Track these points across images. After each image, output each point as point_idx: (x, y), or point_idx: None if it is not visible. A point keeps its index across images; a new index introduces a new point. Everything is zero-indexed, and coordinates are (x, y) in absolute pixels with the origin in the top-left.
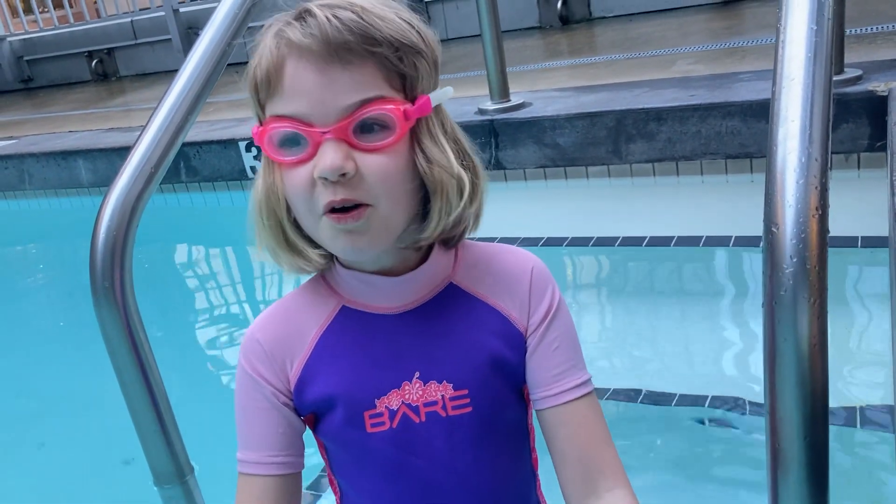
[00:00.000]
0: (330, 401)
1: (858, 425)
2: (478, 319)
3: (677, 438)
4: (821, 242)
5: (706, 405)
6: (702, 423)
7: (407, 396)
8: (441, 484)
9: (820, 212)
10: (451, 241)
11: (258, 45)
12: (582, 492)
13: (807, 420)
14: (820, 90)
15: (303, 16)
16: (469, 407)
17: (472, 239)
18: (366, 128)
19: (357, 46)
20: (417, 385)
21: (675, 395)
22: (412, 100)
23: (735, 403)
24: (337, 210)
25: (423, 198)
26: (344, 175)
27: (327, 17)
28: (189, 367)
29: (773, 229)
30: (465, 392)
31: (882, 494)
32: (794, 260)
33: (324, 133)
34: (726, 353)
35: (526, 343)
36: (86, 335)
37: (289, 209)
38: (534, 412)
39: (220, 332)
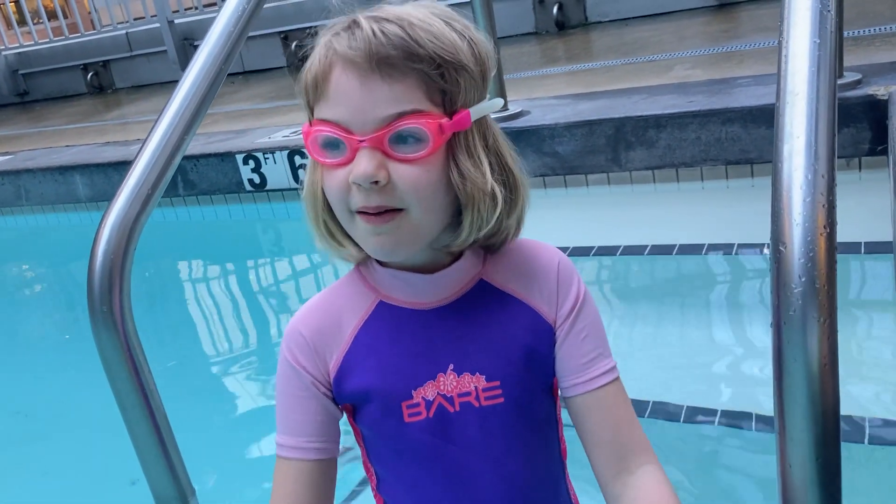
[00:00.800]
0: (368, 392)
1: (866, 441)
2: (508, 314)
3: (683, 451)
4: (829, 261)
5: (716, 418)
6: (708, 434)
7: (442, 387)
8: (475, 470)
9: (828, 230)
10: (492, 247)
11: (312, 51)
12: (614, 470)
13: (819, 441)
14: (825, 105)
15: (352, 27)
16: (501, 398)
17: None
18: (401, 139)
19: (398, 62)
20: (452, 377)
21: (683, 406)
22: (451, 114)
23: (742, 416)
24: (369, 213)
25: (459, 207)
26: (376, 182)
27: (373, 31)
28: (189, 386)
29: (781, 248)
30: (497, 384)
31: None
32: (803, 279)
33: (361, 141)
34: (734, 364)
35: (555, 335)
36: (86, 352)
37: (328, 204)
38: (561, 403)
39: (221, 349)
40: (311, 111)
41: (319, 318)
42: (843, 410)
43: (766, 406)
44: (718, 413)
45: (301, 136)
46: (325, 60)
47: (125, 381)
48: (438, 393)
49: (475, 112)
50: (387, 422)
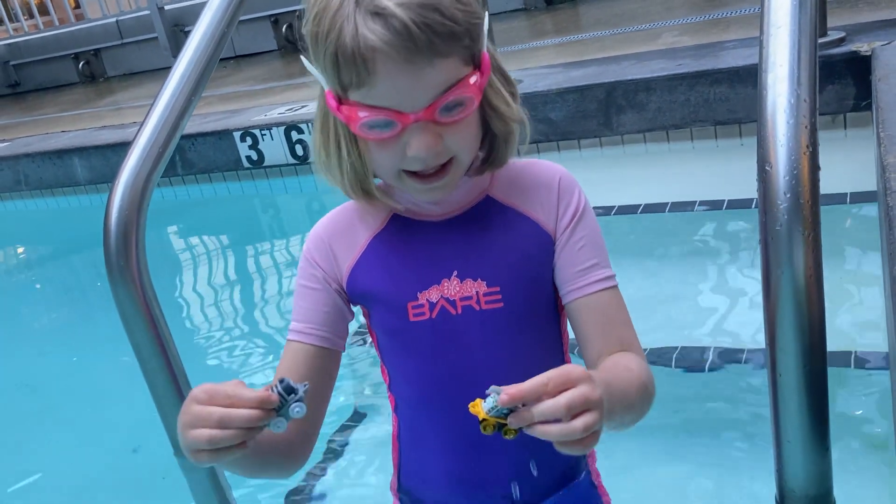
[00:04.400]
0: (378, 292)
1: (853, 366)
2: (511, 226)
3: (681, 391)
4: (813, 178)
5: (708, 357)
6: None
7: (445, 291)
8: (475, 370)
9: (811, 149)
10: (499, 163)
11: (328, 16)
12: (604, 356)
13: (806, 349)
14: (806, 36)
15: (383, 14)
16: (500, 303)
17: None
18: (448, 108)
19: (443, 47)
20: (455, 282)
21: (677, 347)
22: (477, 63)
23: (735, 352)
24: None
25: (486, 130)
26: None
27: (413, 22)
28: (199, 358)
29: (767, 168)
30: (497, 289)
31: (876, 434)
32: (788, 196)
33: (414, 118)
34: (728, 310)
35: (555, 245)
36: (87, 331)
37: (354, 155)
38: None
39: (227, 323)
40: (342, 88)
41: (338, 225)
42: (833, 347)
43: (758, 342)
44: (712, 351)
45: (298, 112)
46: (361, 47)
47: (143, 333)
48: (442, 296)
49: (486, 42)
50: (393, 320)
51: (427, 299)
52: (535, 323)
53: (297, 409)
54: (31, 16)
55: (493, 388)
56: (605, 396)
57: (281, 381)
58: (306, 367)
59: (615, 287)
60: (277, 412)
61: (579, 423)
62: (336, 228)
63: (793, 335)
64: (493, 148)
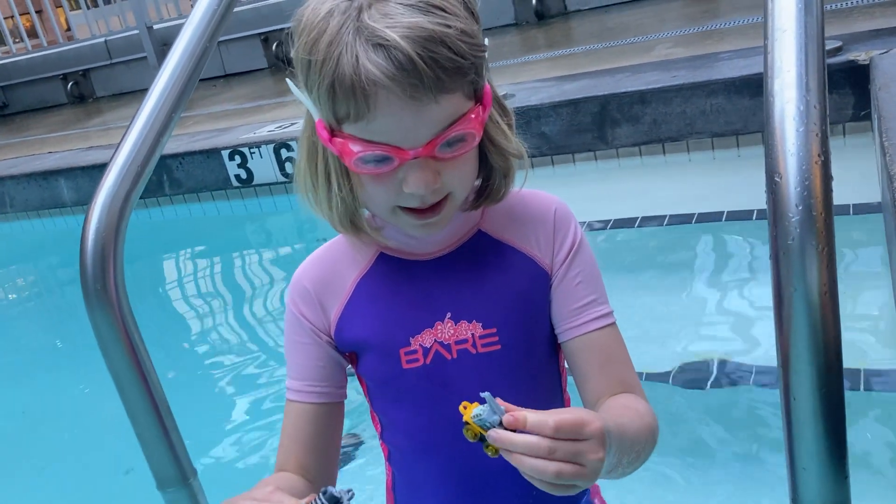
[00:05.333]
0: (368, 339)
1: (862, 388)
2: (505, 263)
3: (684, 413)
4: (825, 189)
5: (711, 377)
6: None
7: (439, 335)
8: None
9: (822, 158)
10: (494, 198)
11: (323, 43)
12: (605, 396)
13: (821, 371)
14: (813, 40)
15: (385, 46)
16: (498, 345)
17: None
18: (448, 143)
19: (450, 83)
20: (449, 324)
21: (678, 366)
22: (479, 97)
23: (742, 370)
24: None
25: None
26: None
27: (420, 56)
28: (184, 377)
29: (777, 179)
30: (494, 331)
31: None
32: (800, 208)
33: (413, 154)
34: (731, 326)
35: (551, 281)
36: (76, 352)
37: (344, 189)
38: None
39: (215, 343)
40: (336, 119)
41: (322, 269)
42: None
43: (765, 360)
44: (715, 367)
45: (287, 129)
46: (362, 80)
47: (122, 360)
48: (436, 340)
49: (487, 73)
50: (385, 368)
51: (420, 344)
52: (533, 363)
53: None
54: (21, 38)
55: (486, 394)
56: (616, 446)
57: (324, 493)
58: (312, 427)
59: (613, 324)
60: None
61: (554, 467)
62: (319, 275)
63: (808, 357)
64: (489, 182)
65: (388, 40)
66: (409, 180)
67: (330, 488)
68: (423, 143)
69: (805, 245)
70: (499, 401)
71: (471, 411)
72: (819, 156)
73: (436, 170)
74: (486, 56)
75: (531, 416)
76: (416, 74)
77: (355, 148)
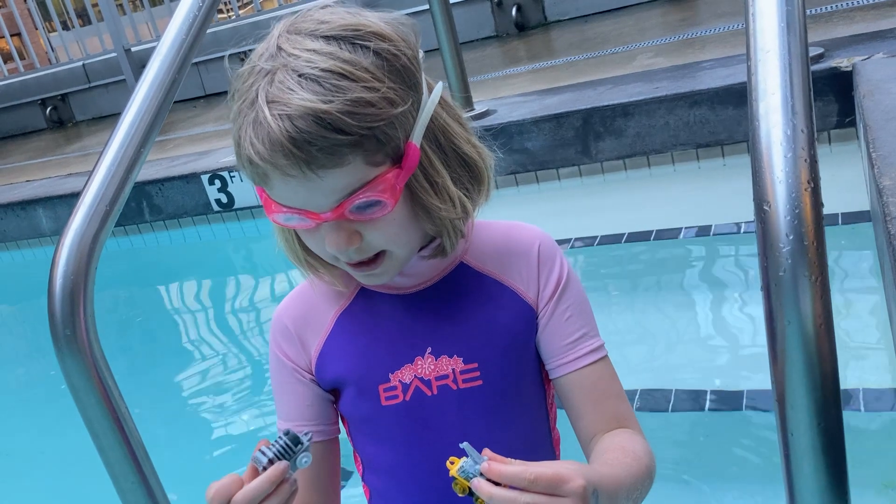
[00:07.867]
0: (347, 376)
1: (862, 408)
2: (488, 296)
3: (678, 437)
4: (816, 216)
5: (706, 401)
6: (701, 412)
7: (419, 371)
8: (454, 455)
9: (812, 185)
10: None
11: (237, 107)
12: (597, 436)
13: (819, 405)
14: (797, 59)
15: (264, 125)
16: (479, 381)
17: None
18: (360, 208)
19: (327, 160)
20: (429, 360)
21: (672, 390)
22: (399, 157)
23: (733, 396)
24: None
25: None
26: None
27: (289, 135)
28: (165, 412)
29: (765, 207)
30: (475, 366)
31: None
32: (791, 237)
33: (324, 217)
34: (723, 345)
35: (538, 317)
36: (55, 388)
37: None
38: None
39: (198, 372)
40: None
41: (302, 306)
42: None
43: (756, 383)
44: (708, 394)
45: None
46: (249, 154)
47: (94, 406)
48: (416, 376)
49: (419, 128)
50: (364, 405)
51: (399, 380)
52: (517, 398)
53: (304, 460)
54: None
55: (465, 444)
56: (608, 501)
57: (286, 433)
58: (310, 468)
59: (606, 357)
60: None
61: None
62: (300, 311)
63: (804, 391)
64: (437, 238)
65: (263, 119)
66: (327, 240)
67: (290, 430)
68: (329, 208)
69: (797, 276)
70: (486, 451)
71: (457, 466)
72: (808, 182)
73: (352, 231)
74: (423, 110)
75: (508, 468)
76: (286, 155)
77: (274, 207)
